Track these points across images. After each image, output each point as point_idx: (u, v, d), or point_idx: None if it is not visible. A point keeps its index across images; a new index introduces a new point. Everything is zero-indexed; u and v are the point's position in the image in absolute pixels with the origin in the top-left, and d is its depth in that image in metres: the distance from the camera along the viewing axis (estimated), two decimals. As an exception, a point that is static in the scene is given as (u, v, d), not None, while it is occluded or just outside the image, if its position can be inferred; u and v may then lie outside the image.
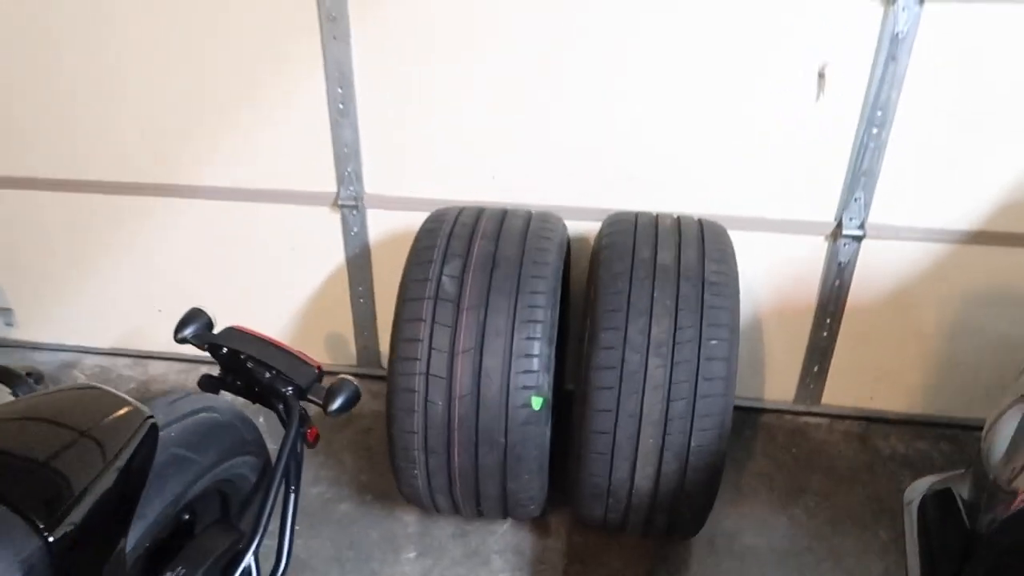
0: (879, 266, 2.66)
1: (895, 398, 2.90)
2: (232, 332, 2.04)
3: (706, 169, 2.55)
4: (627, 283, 2.02)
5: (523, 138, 2.58)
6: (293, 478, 1.96)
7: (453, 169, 2.67)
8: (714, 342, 1.95)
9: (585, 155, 2.58)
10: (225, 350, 1.99)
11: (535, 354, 2.00)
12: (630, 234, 2.15)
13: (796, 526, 2.51)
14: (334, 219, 2.82)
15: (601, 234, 2.21)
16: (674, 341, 1.95)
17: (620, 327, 1.97)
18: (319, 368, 2.02)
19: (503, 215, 2.29)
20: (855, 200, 2.54)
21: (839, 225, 2.58)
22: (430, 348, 2.03)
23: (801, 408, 2.96)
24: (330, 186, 2.76)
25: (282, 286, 3.00)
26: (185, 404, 1.70)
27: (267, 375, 1.95)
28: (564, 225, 2.36)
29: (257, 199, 2.82)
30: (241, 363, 1.98)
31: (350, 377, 1.96)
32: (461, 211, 2.31)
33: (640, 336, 1.96)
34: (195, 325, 2.05)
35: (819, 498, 2.62)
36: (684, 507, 2.04)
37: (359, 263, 2.90)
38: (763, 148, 2.50)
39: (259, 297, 3.04)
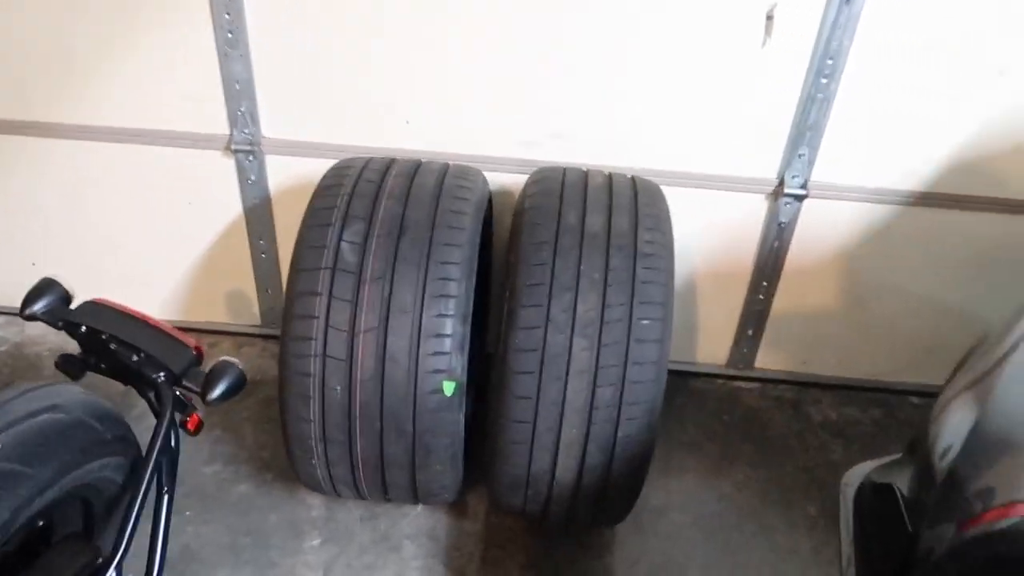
0: (820, 227, 2.50)
1: (829, 362, 2.80)
2: (91, 308, 1.74)
3: (641, 119, 2.32)
4: (551, 253, 1.79)
5: (442, 79, 2.29)
6: (166, 477, 1.72)
7: (363, 111, 2.37)
8: (646, 322, 1.75)
9: (511, 101, 2.31)
10: (84, 329, 1.71)
11: (447, 333, 1.77)
12: (556, 195, 1.91)
13: (725, 501, 2.40)
14: (228, 165, 2.50)
15: (525, 193, 1.97)
16: (602, 320, 1.75)
17: (542, 304, 1.75)
18: (197, 349, 1.76)
19: (415, 170, 2.02)
20: (799, 156, 2.35)
21: (781, 183, 2.40)
22: (327, 326, 1.78)
23: (734, 372, 2.83)
24: (222, 128, 2.42)
25: (174, 240, 2.68)
26: (18, 405, 1.41)
27: (134, 358, 1.69)
28: (484, 180, 2.10)
29: (137, 140, 2.46)
30: (103, 344, 1.71)
31: (233, 360, 1.71)
32: (367, 164, 2.03)
33: (564, 314, 1.75)
34: (47, 299, 1.75)
35: (749, 470, 2.51)
36: (609, 499, 1.88)
37: (259, 215, 2.59)
38: (703, 98, 2.28)
39: (148, 252, 2.71)
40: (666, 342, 1.77)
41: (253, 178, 2.50)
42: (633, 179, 2.05)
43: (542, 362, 1.74)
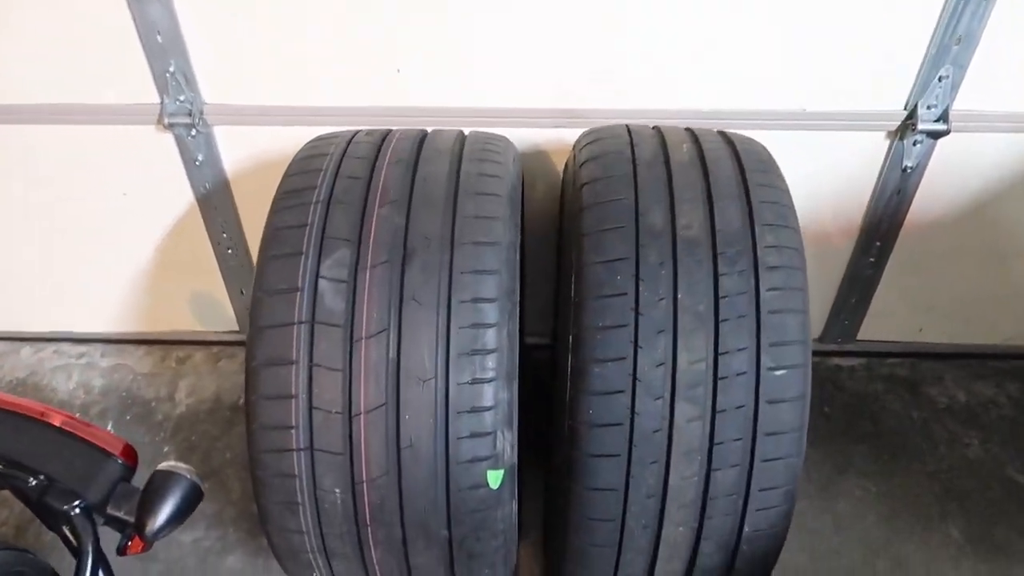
0: (957, 169, 1.88)
1: (950, 328, 2.23)
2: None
3: (713, 41, 1.67)
4: (631, 277, 1.21)
5: (442, 7, 1.64)
6: (100, 647, 1.20)
7: (337, 58, 1.72)
8: (780, 372, 1.18)
9: (537, 30, 1.67)
10: (-54, 446, 1.16)
11: (487, 405, 1.21)
12: (627, 179, 1.30)
13: (844, 529, 1.89)
14: (166, 144, 1.87)
15: (578, 171, 1.36)
16: (715, 376, 1.18)
17: (624, 355, 1.18)
18: (126, 454, 1.21)
19: (417, 149, 1.40)
20: (939, 80, 1.71)
21: (911, 116, 1.77)
22: (311, 408, 1.22)
23: (832, 347, 2.27)
24: (149, 96, 1.79)
25: (118, 241, 2.08)
26: None
27: (32, 483, 1.15)
28: (515, 153, 1.49)
29: (43, 119, 1.84)
30: (-17, 465, 1.16)
31: (178, 468, 1.17)
32: (347, 147, 1.42)
33: (659, 370, 1.18)
34: None
35: (867, 482, 1.99)
36: (726, 600, 1.37)
37: (216, 203, 1.99)
38: (806, 6, 1.62)
39: (86, 257, 2.13)
40: (807, 397, 1.21)
41: (201, 158, 1.88)
42: (725, 137, 1.43)
43: (630, 442, 1.18)
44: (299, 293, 1.23)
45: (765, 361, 1.18)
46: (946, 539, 1.88)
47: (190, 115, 1.79)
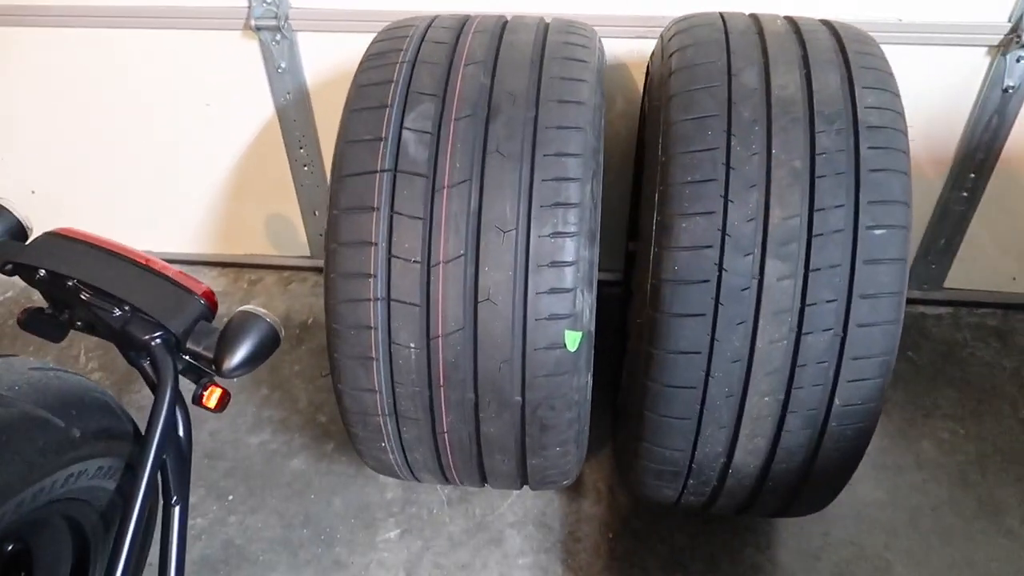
0: (1065, 90, 1.78)
1: (1047, 277, 2.11)
2: (52, 243, 1.21)
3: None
4: (723, 132, 1.16)
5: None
6: (174, 480, 1.20)
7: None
8: (880, 232, 1.12)
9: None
10: (43, 273, 1.18)
11: (568, 260, 1.18)
12: (719, 46, 1.26)
13: (928, 469, 1.79)
14: (251, 49, 1.91)
15: (667, 50, 1.33)
16: (810, 232, 1.13)
17: (714, 210, 1.14)
18: (207, 296, 1.22)
19: (500, 27, 1.39)
20: (1048, -15, 1.63)
21: (1016, 28, 1.68)
22: (389, 256, 1.20)
23: (917, 295, 2.17)
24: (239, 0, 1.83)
25: (193, 155, 2.13)
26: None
27: (116, 313, 1.16)
28: (600, 42, 1.46)
29: (126, 23, 1.89)
30: (73, 294, 1.18)
31: (257, 311, 1.18)
32: (432, 22, 1.41)
33: (750, 225, 1.13)
34: (-11, 232, 1.23)
35: (954, 425, 1.88)
36: (809, 488, 1.30)
37: (296, 115, 2.01)
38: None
39: (159, 172, 2.17)
40: (906, 262, 1.14)
41: (284, 65, 1.91)
42: (826, 22, 1.38)
43: (717, 300, 1.13)
44: (382, 142, 1.22)
45: (864, 220, 1.12)
46: (1042, 483, 1.76)
47: (275, 18, 1.82)
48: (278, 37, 1.86)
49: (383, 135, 1.22)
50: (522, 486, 1.51)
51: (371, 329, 1.22)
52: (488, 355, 1.21)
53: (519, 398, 1.25)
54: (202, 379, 1.22)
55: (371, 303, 1.21)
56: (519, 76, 1.26)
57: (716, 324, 1.14)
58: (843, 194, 1.13)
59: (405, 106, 1.24)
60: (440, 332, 1.21)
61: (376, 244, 1.20)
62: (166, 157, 2.13)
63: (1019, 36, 1.67)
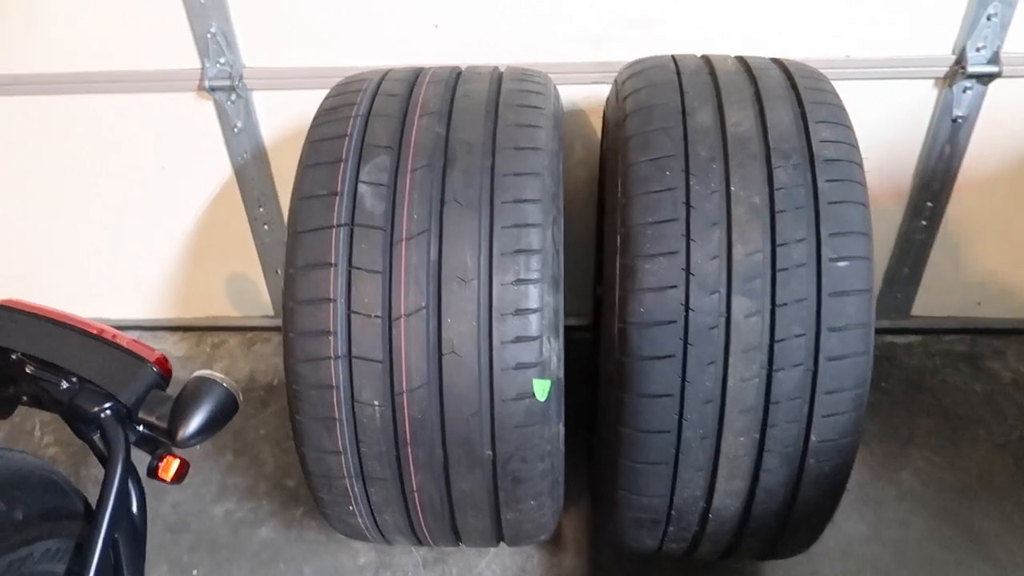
0: (1010, 119, 1.82)
1: (1009, 301, 2.13)
2: (-7, 314, 1.16)
3: (763, -15, 1.66)
4: (681, 171, 1.16)
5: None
6: (128, 562, 1.14)
7: (376, 15, 1.74)
8: (844, 264, 1.12)
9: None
10: (-16, 346, 1.13)
11: (533, 307, 1.15)
12: (672, 87, 1.27)
13: (910, 500, 1.77)
14: (206, 110, 1.89)
15: (621, 93, 1.33)
16: (774, 267, 1.12)
17: (676, 250, 1.12)
18: (160, 364, 1.18)
19: (454, 78, 1.39)
20: (987, 18, 1.67)
21: (959, 60, 1.72)
22: (349, 312, 1.17)
23: (885, 324, 2.17)
24: (190, 60, 1.81)
25: (150, 217, 2.09)
26: None
27: (64, 386, 1.11)
28: (555, 88, 1.46)
29: (81, 88, 1.86)
30: (17, 367, 1.13)
31: (214, 376, 1.13)
32: (385, 75, 1.41)
33: (713, 263, 1.12)
34: (-74, 307, 1.18)
35: (931, 455, 1.87)
36: (793, 528, 1.26)
37: (254, 174, 1.99)
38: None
39: (116, 237, 2.13)
40: (870, 290, 1.14)
41: (239, 125, 1.89)
42: (776, 61, 1.40)
43: (686, 340, 1.11)
44: (337, 197, 1.20)
45: (826, 252, 1.11)
46: (1022, 509, 1.74)
47: (230, 78, 1.81)
48: (233, 97, 1.84)
49: (338, 189, 1.20)
50: (498, 543, 1.46)
51: (333, 388, 1.18)
52: (455, 409, 1.17)
53: (489, 452, 1.21)
54: (158, 450, 1.17)
55: (332, 361, 1.17)
56: (474, 125, 1.25)
57: (686, 365, 1.12)
58: (804, 228, 1.13)
59: (360, 159, 1.23)
60: (405, 388, 1.17)
61: (335, 300, 1.17)
62: (122, 221, 2.09)
63: (963, 67, 1.71)
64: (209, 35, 1.76)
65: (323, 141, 1.26)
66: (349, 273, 1.17)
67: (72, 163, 1.99)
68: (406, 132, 1.25)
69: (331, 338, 1.17)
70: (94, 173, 2.00)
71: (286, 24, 1.76)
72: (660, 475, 1.19)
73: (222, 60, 1.79)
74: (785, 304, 1.11)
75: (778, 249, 1.12)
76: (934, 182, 1.91)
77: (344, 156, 1.23)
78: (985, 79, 1.74)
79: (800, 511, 1.21)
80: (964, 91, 1.76)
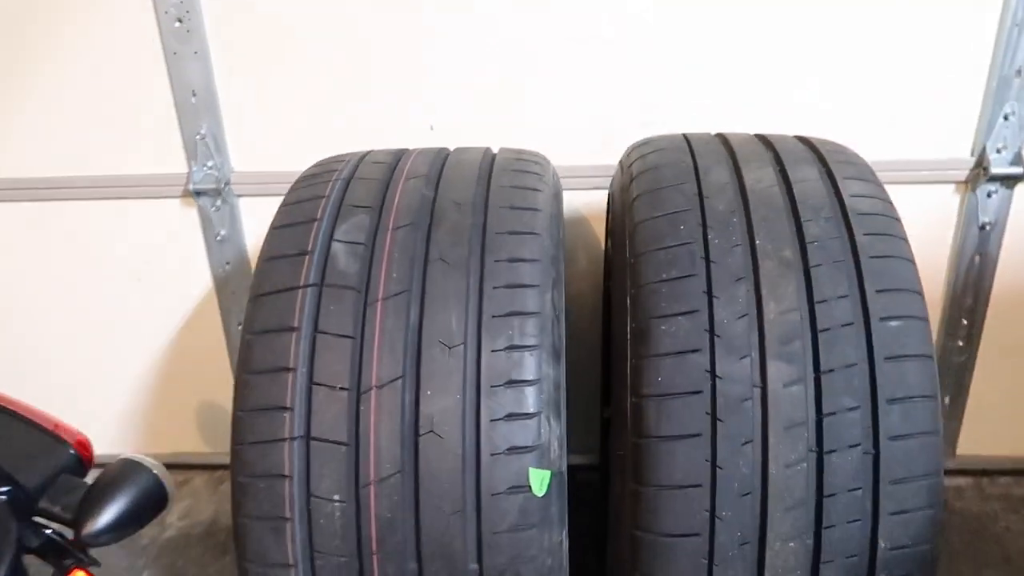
0: (1044, 224, 1.71)
1: (1068, 435, 1.91)
2: None
3: (767, 91, 1.61)
4: (698, 224, 1.02)
5: (476, 60, 1.63)
6: None
7: (371, 119, 1.69)
8: (896, 323, 0.94)
9: (578, 78, 1.63)
10: None
11: (528, 378, 0.97)
12: (683, 151, 1.16)
13: (991, 665, 1.46)
14: (188, 218, 1.79)
15: (626, 163, 1.22)
16: (814, 326, 0.94)
17: (697, 308, 0.96)
18: (82, 448, 0.98)
19: (444, 154, 1.29)
20: (1004, 118, 1.61)
21: (980, 161, 1.64)
22: (310, 384, 0.98)
23: (929, 463, 1.93)
24: (177, 163, 1.74)
25: (120, 339, 1.93)
26: None
27: (-48, 465, 0.90)
28: (554, 171, 1.36)
29: (52, 194, 1.78)
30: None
31: (144, 460, 0.94)
32: (369, 153, 1.31)
33: (741, 322, 0.94)
34: None
35: (1008, 613, 1.58)
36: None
37: (234, 287, 1.86)
38: (848, 46, 1.58)
39: (80, 361, 1.96)
40: (934, 359, 0.95)
41: (223, 233, 1.79)
42: (798, 137, 1.30)
43: (714, 415, 0.92)
44: (307, 256, 1.05)
45: (875, 310, 0.95)
46: None
47: (217, 182, 1.73)
48: (218, 203, 1.75)
49: (309, 248, 1.06)
50: None
51: (285, 478, 0.97)
52: (433, 505, 0.95)
53: (475, 565, 0.97)
54: (65, 561, 0.95)
55: (286, 444, 0.97)
56: (465, 187, 1.13)
57: (716, 444, 0.91)
58: (844, 283, 0.96)
59: (336, 218, 1.09)
60: (373, 478, 0.96)
61: (294, 370, 0.98)
62: (87, 340, 1.93)
63: (985, 169, 1.62)
64: (199, 137, 1.70)
65: (297, 204, 1.14)
66: (313, 339, 1.00)
67: (40, 272, 1.87)
68: (390, 192, 1.13)
69: (287, 415, 0.97)
70: (63, 284, 1.87)
71: (277, 128, 1.71)
72: (689, 594, 0.94)
73: (210, 164, 1.72)
74: (833, 370, 0.92)
75: (817, 307, 0.95)
76: (967, 297, 1.76)
77: (319, 215, 1.10)
78: (1010, 182, 1.65)
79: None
80: (989, 196, 1.67)
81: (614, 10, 1.57)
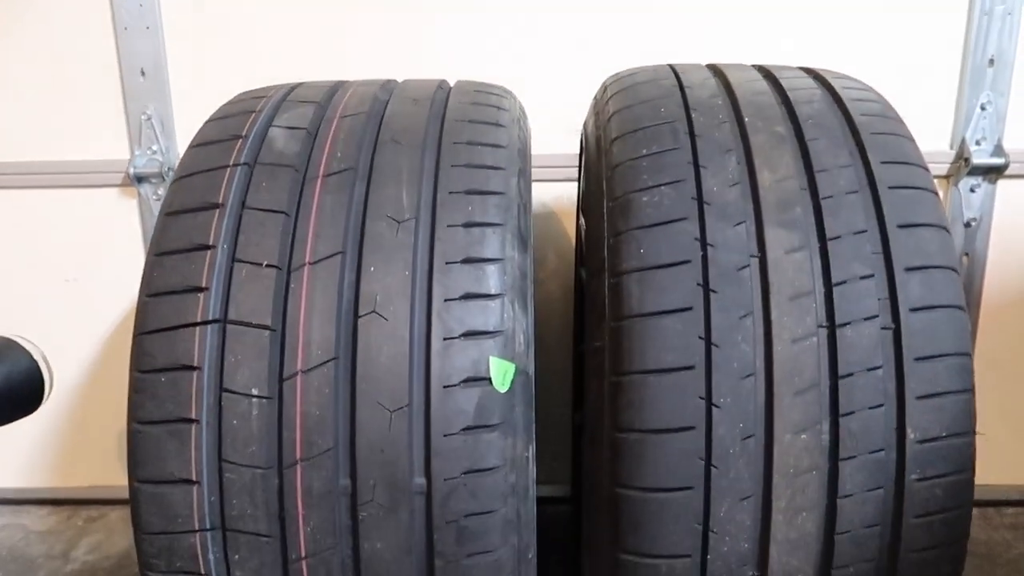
0: (1030, 222, 1.65)
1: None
2: None
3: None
4: (679, 106, 0.92)
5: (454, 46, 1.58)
6: None
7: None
8: (906, 191, 0.84)
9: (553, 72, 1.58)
10: None
11: (490, 256, 0.83)
12: (663, 69, 1.07)
13: None
14: (127, 209, 1.66)
15: (601, 93, 1.13)
16: (815, 195, 0.83)
17: (683, 178, 0.84)
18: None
19: (394, 84, 1.18)
20: (982, 108, 1.58)
21: (961, 153, 1.59)
22: (231, 261, 0.83)
23: (931, 493, 1.76)
24: (118, 151, 1.63)
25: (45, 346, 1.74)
26: None
27: None
28: (520, 104, 1.26)
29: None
30: None
31: (26, 342, 0.79)
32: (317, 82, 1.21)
33: (733, 191, 0.83)
34: None
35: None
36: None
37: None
38: (820, 41, 1.56)
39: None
40: (947, 230, 0.84)
41: (164, 224, 1.65)
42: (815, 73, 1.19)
43: (706, 286, 0.78)
44: (240, 141, 0.93)
45: (882, 178, 0.84)
46: None
47: (161, 166, 1.61)
48: (160, 191, 1.63)
49: (243, 134, 0.94)
50: None
51: (193, 370, 0.80)
52: (372, 401, 0.78)
53: (421, 479, 0.79)
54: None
55: (197, 329, 0.81)
56: (421, 103, 1.02)
57: (710, 320, 0.77)
58: (846, 154, 0.86)
59: (275, 111, 0.98)
60: (300, 367, 0.79)
61: (214, 247, 0.84)
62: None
63: (967, 160, 1.57)
64: (144, 117, 1.60)
65: (229, 117, 1.01)
66: (240, 216, 0.86)
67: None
68: (337, 95, 1.02)
69: (200, 296, 0.81)
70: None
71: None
72: (682, 510, 0.76)
73: (154, 148, 1.61)
74: (839, 237, 0.80)
75: (817, 175, 0.84)
76: (958, 302, 1.66)
77: (257, 108, 0.98)
78: (992, 175, 1.59)
79: (909, 565, 0.77)
80: (972, 190, 1.61)
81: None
